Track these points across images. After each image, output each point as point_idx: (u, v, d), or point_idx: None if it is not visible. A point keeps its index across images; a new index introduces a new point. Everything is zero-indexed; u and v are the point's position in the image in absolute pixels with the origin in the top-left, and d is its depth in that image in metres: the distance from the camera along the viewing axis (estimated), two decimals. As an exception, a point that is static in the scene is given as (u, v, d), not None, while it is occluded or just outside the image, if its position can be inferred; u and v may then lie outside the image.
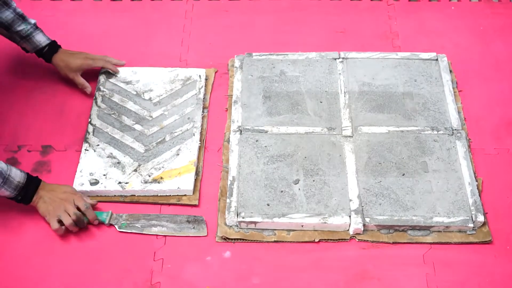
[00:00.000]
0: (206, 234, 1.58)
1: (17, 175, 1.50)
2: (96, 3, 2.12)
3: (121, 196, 1.63)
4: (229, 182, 1.63)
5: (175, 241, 1.57)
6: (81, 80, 1.81)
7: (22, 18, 1.73)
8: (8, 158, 1.72)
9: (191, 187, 1.62)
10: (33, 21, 1.75)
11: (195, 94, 1.82)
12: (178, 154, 1.68)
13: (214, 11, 2.11)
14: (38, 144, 1.75)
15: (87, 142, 1.71)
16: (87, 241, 1.57)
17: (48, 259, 1.54)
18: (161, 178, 1.63)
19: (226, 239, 1.57)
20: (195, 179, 1.65)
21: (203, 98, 1.82)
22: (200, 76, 1.86)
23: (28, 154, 1.73)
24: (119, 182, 1.63)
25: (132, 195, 1.63)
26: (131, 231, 1.57)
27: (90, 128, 1.75)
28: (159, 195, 1.63)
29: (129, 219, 1.59)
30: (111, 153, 1.69)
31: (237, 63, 1.90)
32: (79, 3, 2.11)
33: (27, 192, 1.53)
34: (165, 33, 2.03)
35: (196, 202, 1.63)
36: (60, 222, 1.53)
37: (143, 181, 1.63)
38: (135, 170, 1.65)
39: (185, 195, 1.63)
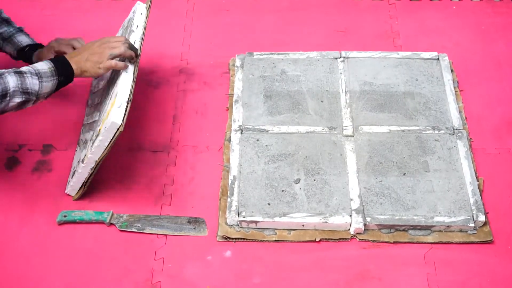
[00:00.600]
0: (206, 234, 1.58)
1: (42, 65, 1.46)
2: (97, 2, 2.12)
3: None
4: (230, 182, 1.63)
5: (176, 241, 1.57)
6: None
7: (7, 22, 1.74)
8: (8, 157, 1.72)
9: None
10: (18, 26, 1.75)
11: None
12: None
13: (215, 10, 2.11)
14: (39, 143, 1.75)
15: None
16: (87, 240, 1.57)
17: (48, 259, 1.54)
18: None
19: (227, 238, 1.57)
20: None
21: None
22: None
23: (29, 153, 1.73)
24: None
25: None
26: (132, 230, 1.57)
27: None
28: None
29: (130, 219, 1.59)
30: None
31: (238, 63, 1.90)
32: (80, 2, 2.11)
33: (63, 68, 1.49)
34: (166, 32, 2.03)
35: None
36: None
37: None
38: None
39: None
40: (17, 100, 1.41)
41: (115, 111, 1.45)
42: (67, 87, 1.73)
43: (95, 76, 1.54)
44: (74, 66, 1.50)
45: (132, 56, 1.55)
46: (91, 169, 1.54)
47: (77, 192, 1.61)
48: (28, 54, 1.74)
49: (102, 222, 1.58)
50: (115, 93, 1.49)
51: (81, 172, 1.56)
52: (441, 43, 2.00)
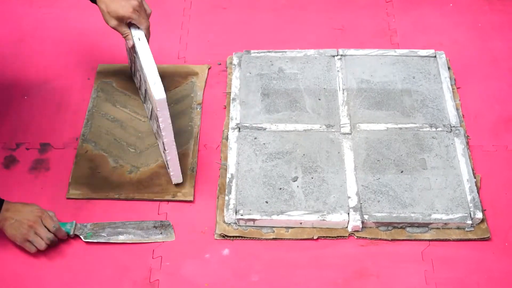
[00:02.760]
0: (173, 239, 1.57)
1: None
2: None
3: (117, 194, 1.63)
4: (227, 180, 1.63)
5: (174, 239, 1.57)
6: (124, 30, 1.57)
7: None
8: (6, 156, 1.71)
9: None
10: None
11: None
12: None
13: (212, 9, 2.11)
14: (36, 142, 1.75)
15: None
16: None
17: (46, 258, 1.53)
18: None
19: (224, 236, 1.57)
20: (188, 175, 1.66)
21: (197, 95, 1.82)
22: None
23: (26, 152, 1.73)
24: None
25: (127, 193, 1.63)
26: (98, 241, 1.55)
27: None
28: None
29: (94, 228, 1.56)
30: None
31: (235, 61, 1.90)
32: (77, 3, 2.11)
33: None
34: (163, 30, 2.03)
35: (191, 198, 1.63)
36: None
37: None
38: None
39: (180, 192, 1.63)
40: None
41: (154, 89, 1.46)
42: (66, 84, 1.73)
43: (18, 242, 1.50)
44: (0, 220, 1.48)
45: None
46: (175, 149, 1.56)
47: (182, 181, 1.65)
48: None
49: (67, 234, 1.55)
50: (145, 75, 1.50)
51: (170, 158, 1.57)
52: (438, 41, 2.00)
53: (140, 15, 1.55)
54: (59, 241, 1.54)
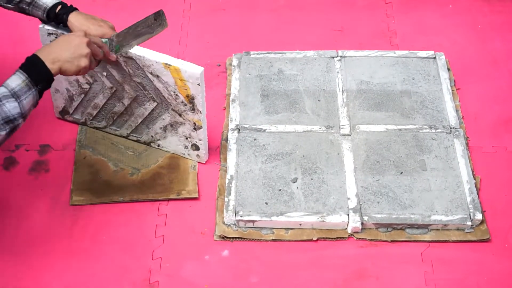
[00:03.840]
0: (167, 26, 1.59)
1: (15, 80, 1.29)
2: (93, 1, 2.12)
3: (120, 197, 1.63)
4: (227, 181, 1.63)
5: (174, 240, 1.57)
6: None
7: None
8: (6, 157, 1.72)
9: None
10: None
11: None
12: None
13: (211, 10, 2.11)
14: (36, 143, 1.75)
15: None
16: (85, 240, 1.57)
17: (46, 258, 1.53)
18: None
19: (224, 237, 1.57)
20: (190, 173, 1.67)
21: None
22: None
23: (26, 153, 1.73)
24: None
25: (131, 195, 1.63)
26: (125, 50, 1.52)
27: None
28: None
29: (119, 39, 1.51)
30: None
31: (235, 62, 1.90)
32: (76, 2, 2.10)
33: (39, 73, 1.31)
34: (162, 31, 2.03)
35: (196, 195, 1.63)
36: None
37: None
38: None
39: (184, 189, 1.63)
40: (3, 133, 1.27)
41: (185, 66, 1.50)
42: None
43: (77, 72, 1.38)
44: (50, 66, 1.33)
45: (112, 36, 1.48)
46: (206, 124, 1.61)
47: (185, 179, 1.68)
48: (61, 17, 1.53)
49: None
50: (161, 62, 1.51)
51: (203, 137, 1.62)
52: (438, 42, 2.00)
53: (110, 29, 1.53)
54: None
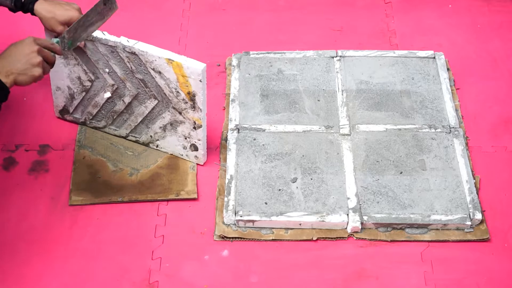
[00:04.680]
0: (117, 8, 1.57)
1: None
2: (93, 1, 2.11)
3: (119, 197, 1.63)
4: (227, 181, 1.63)
5: (174, 240, 1.57)
6: None
7: None
8: (5, 158, 1.71)
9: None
10: None
11: None
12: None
13: (211, 10, 2.11)
14: (35, 143, 1.75)
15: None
16: (85, 240, 1.57)
17: (45, 258, 1.53)
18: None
19: (224, 237, 1.57)
20: (190, 173, 1.67)
21: None
22: None
23: (26, 154, 1.73)
24: None
25: (130, 195, 1.63)
26: (77, 44, 1.52)
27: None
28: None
29: (70, 34, 1.50)
30: None
31: (234, 62, 1.90)
32: (75, 1, 2.10)
33: None
34: (162, 31, 2.03)
35: (195, 196, 1.63)
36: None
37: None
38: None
39: (183, 190, 1.63)
40: None
41: (187, 62, 1.49)
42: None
43: (32, 82, 1.37)
44: (4, 80, 1.33)
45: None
46: (205, 125, 1.62)
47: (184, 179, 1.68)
48: (27, 6, 1.55)
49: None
50: (164, 57, 1.51)
51: (202, 137, 1.62)
52: (437, 42, 2.00)
53: None
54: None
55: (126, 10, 2.10)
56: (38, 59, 1.36)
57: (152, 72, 1.55)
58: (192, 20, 2.07)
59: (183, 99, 1.56)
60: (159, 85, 1.57)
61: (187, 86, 1.53)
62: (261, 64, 1.89)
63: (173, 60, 1.50)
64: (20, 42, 1.37)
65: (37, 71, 1.36)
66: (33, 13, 1.55)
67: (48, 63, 1.41)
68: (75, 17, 1.53)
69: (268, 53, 1.92)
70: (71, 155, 1.72)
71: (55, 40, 1.48)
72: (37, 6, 1.53)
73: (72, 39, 1.51)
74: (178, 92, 1.55)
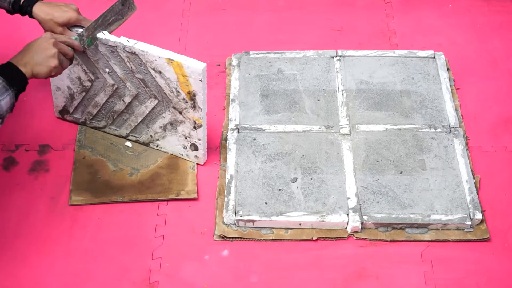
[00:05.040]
0: (136, 9, 1.61)
1: None
2: (92, 1, 2.12)
3: (119, 197, 1.63)
4: (227, 181, 1.63)
5: (174, 240, 1.57)
6: (69, 34, 1.56)
7: None
8: (5, 158, 1.71)
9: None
10: None
11: None
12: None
13: (211, 10, 2.11)
14: (35, 143, 1.75)
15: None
16: (85, 240, 1.57)
17: (45, 258, 1.53)
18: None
19: (224, 237, 1.57)
20: (190, 173, 1.67)
21: None
22: None
23: (26, 153, 1.73)
24: None
25: (130, 195, 1.63)
26: (96, 42, 1.54)
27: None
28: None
29: (89, 33, 1.53)
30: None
31: (234, 62, 1.90)
32: (75, 1, 2.10)
33: (13, 76, 1.38)
34: (162, 31, 2.03)
35: (195, 196, 1.63)
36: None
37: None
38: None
39: (183, 190, 1.63)
40: None
41: (188, 62, 1.49)
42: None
43: (49, 73, 1.42)
44: (23, 69, 1.39)
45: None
46: (206, 124, 1.62)
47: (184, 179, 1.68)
48: (25, 8, 1.55)
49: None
50: (164, 57, 1.51)
51: (203, 137, 1.62)
52: (437, 42, 2.00)
53: (83, 16, 1.58)
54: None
55: (126, 10, 2.10)
56: (54, 50, 1.42)
57: (152, 72, 1.55)
58: (192, 20, 2.07)
59: (184, 99, 1.56)
60: (159, 85, 1.57)
61: (187, 85, 1.53)
62: (261, 64, 1.89)
63: (173, 60, 1.50)
64: (39, 38, 1.44)
65: (53, 62, 1.42)
66: (31, 16, 1.56)
67: (66, 57, 1.47)
68: (73, 18, 1.55)
69: (268, 53, 1.92)
70: (71, 155, 1.72)
71: (73, 38, 1.51)
72: (35, 9, 1.54)
73: (91, 37, 1.54)
74: (178, 91, 1.55)
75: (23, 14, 1.57)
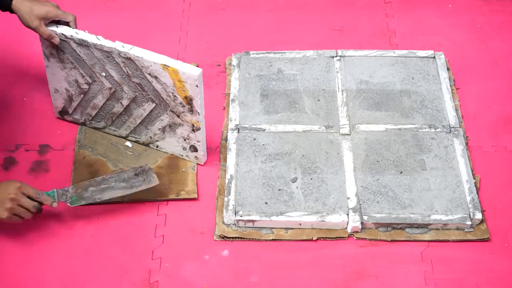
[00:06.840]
0: (157, 183, 1.56)
1: None
2: (93, 0, 2.12)
3: (121, 197, 1.63)
4: (227, 181, 1.63)
5: (173, 240, 1.57)
6: (46, 30, 1.56)
7: None
8: (5, 158, 1.71)
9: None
10: None
11: None
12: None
13: (211, 10, 2.11)
14: (35, 143, 1.75)
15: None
16: (85, 240, 1.57)
17: (45, 259, 1.53)
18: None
19: (224, 237, 1.57)
20: (190, 173, 1.67)
21: None
22: None
23: (26, 154, 1.73)
24: None
25: (130, 195, 1.63)
26: (84, 203, 1.52)
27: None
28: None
29: (77, 190, 1.53)
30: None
31: (234, 62, 1.90)
32: (75, 1, 2.11)
33: None
34: (162, 31, 2.03)
35: (195, 196, 1.63)
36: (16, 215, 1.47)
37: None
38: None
39: (183, 190, 1.63)
40: None
41: (183, 68, 1.49)
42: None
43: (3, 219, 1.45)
44: None
45: None
46: (204, 127, 1.62)
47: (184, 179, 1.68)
48: (4, 3, 1.54)
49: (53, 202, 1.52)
50: (160, 63, 1.50)
51: (201, 139, 1.62)
52: (437, 41, 2.00)
53: (63, 11, 1.56)
54: (45, 210, 1.54)
55: (126, 10, 2.10)
56: (8, 205, 1.44)
57: (148, 76, 1.55)
58: (192, 20, 2.07)
59: (181, 103, 1.56)
60: (156, 89, 1.57)
61: (184, 90, 1.53)
62: (261, 64, 1.89)
63: (168, 66, 1.49)
64: (7, 183, 1.46)
65: (4, 214, 1.44)
66: (10, 10, 1.55)
67: (22, 216, 1.47)
68: (52, 12, 1.54)
69: (268, 53, 1.92)
70: (71, 155, 1.72)
71: (47, 193, 1.51)
72: (16, 2, 1.53)
73: (78, 196, 1.53)
74: (175, 96, 1.55)
75: (3, 9, 1.56)
